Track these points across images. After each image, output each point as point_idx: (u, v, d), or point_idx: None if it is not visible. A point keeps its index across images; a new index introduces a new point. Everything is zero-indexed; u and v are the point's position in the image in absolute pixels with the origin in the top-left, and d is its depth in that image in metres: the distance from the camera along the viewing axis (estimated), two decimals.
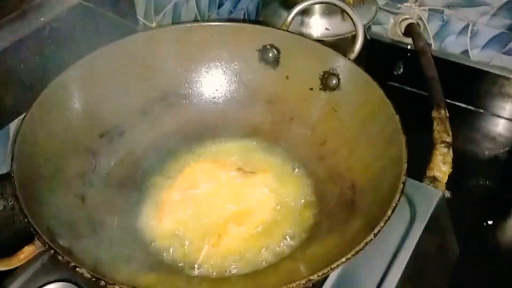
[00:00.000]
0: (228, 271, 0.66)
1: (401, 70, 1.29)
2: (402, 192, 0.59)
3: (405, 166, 0.61)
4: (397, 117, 0.67)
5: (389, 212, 0.57)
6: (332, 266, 0.53)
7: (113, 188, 0.74)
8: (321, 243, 0.66)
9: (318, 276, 0.52)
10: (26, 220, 0.55)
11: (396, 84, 1.32)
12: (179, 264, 0.68)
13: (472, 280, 0.92)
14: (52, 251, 0.53)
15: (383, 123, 0.69)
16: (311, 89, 0.79)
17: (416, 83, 1.26)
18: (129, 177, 0.76)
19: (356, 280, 0.69)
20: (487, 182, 1.10)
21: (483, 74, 1.19)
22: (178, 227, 0.72)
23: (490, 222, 1.03)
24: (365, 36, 0.84)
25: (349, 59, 0.77)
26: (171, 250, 0.70)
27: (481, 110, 1.24)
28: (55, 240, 0.57)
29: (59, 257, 0.53)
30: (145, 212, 0.74)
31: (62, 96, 0.72)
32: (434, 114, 0.97)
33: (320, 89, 0.79)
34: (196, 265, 0.67)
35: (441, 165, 0.88)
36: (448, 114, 0.96)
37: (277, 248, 0.69)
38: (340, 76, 0.76)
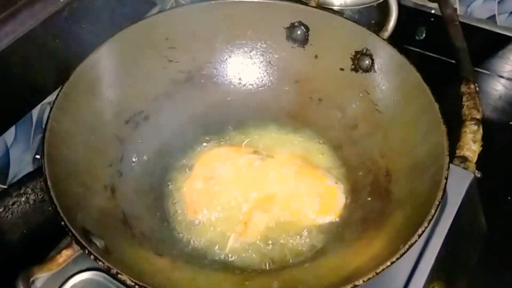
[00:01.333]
0: (257, 263, 0.66)
1: (423, 35, 1.25)
2: (445, 189, 0.57)
3: (447, 159, 0.59)
4: (436, 105, 0.64)
5: (433, 211, 0.55)
6: (378, 271, 0.52)
7: (140, 177, 0.72)
8: (356, 236, 0.65)
9: (364, 281, 0.51)
10: (62, 223, 0.54)
11: (417, 50, 1.28)
12: (207, 254, 0.67)
13: (501, 256, 0.91)
14: (92, 257, 0.52)
15: (421, 110, 0.66)
16: (342, 69, 0.76)
17: (439, 49, 1.21)
18: (155, 165, 0.75)
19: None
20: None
21: (510, 40, 1.15)
22: (204, 217, 0.71)
23: None
24: (398, 14, 0.80)
25: (383, 39, 0.73)
26: (198, 240, 0.69)
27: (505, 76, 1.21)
28: (91, 241, 0.56)
29: (99, 263, 0.52)
30: (172, 202, 0.73)
31: (87, 83, 0.69)
32: (463, 88, 0.93)
33: (352, 69, 0.76)
34: (223, 255, 0.67)
35: (471, 144, 0.86)
36: (478, 88, 0.93)
37: (307, 239, 0.68)
38: (374, 57, 0.73)
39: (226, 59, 0.80)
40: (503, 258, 0.92)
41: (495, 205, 0.99)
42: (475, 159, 0.86)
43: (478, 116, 0.91)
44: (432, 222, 0.56)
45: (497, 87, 1.21)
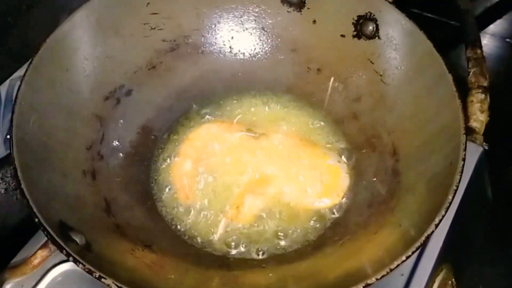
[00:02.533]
0: (251, 253, 0.61)
1: None
2: (462, 172, 0.52)
3: (463, 138, 0.54)
4: (449, 77, 0.58)
5: (450, 197, 0.50)
6: (392, 267, 0.46)
7: (124, 160, 0.66)
8: (362, 222, 0.60)
9: (377, 279, 0.46)
10: (36, 220, 0.48)
11: (416, 10, 1.20)
12: (199, 244, 0.62)
13: (505, 229, 0.87)
14: (71, 258, 0.46)
15: (432, 82, 0.60)
16: (343, 36, 0.69)
17: (439, 10, 1.14)
18: (140, 145, 0.68)
19: None
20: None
21: None
22: (194, 200, 0.65)
23: None
24: None
25: (389, 1, 0.66)
26: (190, 229, 0.64)
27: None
28: (70, 238, 0.50)
29: (79, 265, 0.46)
30: (160, 186, 0.67)
31: (60, 55, 0.62)
32: (469, 53, 0.87)
33: (354, 36, 0.69)
34: (214, 240, 0.62)
35: (479, 114, 0.80)
36: (484, 54, 0.87)
37: (307, 226, 0.63)
38: (378, 22, 0.66)
39: (215, 25, 0.73)
40: (509, 232, 0.88)
41: (499, 175, 0.95)
42: (482, 130, 0.80)
43: (485, 84, 0.85)
44: None
45: (500, 51, 1.15)
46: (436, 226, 0.49)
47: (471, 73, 0.85)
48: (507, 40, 1.13)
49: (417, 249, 0.48)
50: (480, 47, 0.89)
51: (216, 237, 0.62)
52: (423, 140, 0.60)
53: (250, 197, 0.64)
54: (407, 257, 0.47)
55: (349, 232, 0.60)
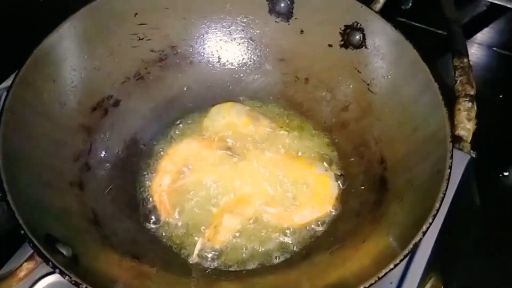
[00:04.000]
0: (229, 267, 0.61)
1: (410, 4, 1.18)
2: (449, 180, 0.52)
3: (450, 146, 0.54)
4: (435, 85, 0.58)
5: (437, 205, 0.50)
6: (380, 275, 0.47)
7: (111, 171, 0.66)
8: (350, 230, 0.60)
9: (366, 287, 0.46)
10: (22, 232, 0.47)
11: (404, 20, 1.21)
12: (184, 252, 0.62)
13: (495, 237, 0.87)
14: (57, 270, 0.46)
15: (418, 91, 0.61)
16: (330, 45, 0.70)
17: (426, 19, 1.15)
18: (127, 156, 0.68)
19: None
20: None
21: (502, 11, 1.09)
22: (177, 218, 0.65)
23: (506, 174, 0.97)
24: None
25: (375, 11, 0.66)
26: (173, 238, 0.63)
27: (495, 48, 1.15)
28: (56, 250, 0.49)
29: (66, 278, 0.45)
30: (148, 198, 0.66)
31: (47, 66, 0.61)
32: (456, 62, 0.87)
33: (341, 46, 0.69)
34: (190, 260, 0.61)
35: (466, 122, 0.81)
36: (470, 63, 0.87)
37: (291, 238, 0.63)
38: (365, 32, 0.66)
39: (203, 35, 0.73)
40: (498, 239, 0.88)
41: (487, 183, 0.95)
42: (470, 138, 0.81)
43: (472, 92, 0.85)
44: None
45: (486, 59, 1.16)
46: (424, 233, 0.49)
47: (458, 81, 0.86)
48: (494, 49, 1.14)
49: (404, 257, 0.48)
50: (467, 56, 0.89)
51: (192, 258, 0.61)
52: (410, 148, 0.60)
53: (229, 217, 0.63)
54: (395, 265, 0.47)
55: (338, 240, 0.59)
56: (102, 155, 0.65)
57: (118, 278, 0.52)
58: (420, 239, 0.48)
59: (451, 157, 0.53)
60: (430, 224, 0.49)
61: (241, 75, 0.73)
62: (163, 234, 0.63)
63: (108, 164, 0.65)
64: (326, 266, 0.56)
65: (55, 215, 0.54)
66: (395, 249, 0.50)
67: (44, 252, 0.46)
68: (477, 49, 1.16)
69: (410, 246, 0.48)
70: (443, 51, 1.07)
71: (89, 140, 0.64)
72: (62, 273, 0.45)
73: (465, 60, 0.89)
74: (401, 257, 0.47)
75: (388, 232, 0.54)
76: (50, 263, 0.46)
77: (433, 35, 1.16)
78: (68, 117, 0.63)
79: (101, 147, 0.65)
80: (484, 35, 1.14)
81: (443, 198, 0.51)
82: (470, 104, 0.83)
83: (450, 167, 0.52)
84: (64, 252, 0.50)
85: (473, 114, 0.83)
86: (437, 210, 0.50)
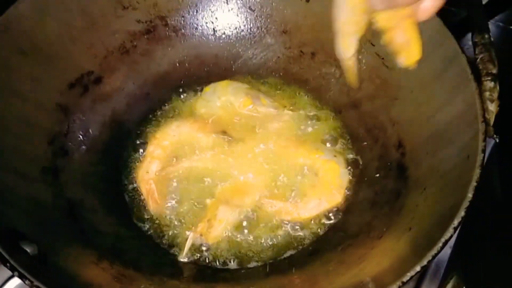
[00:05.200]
0: (225, 266, 0.53)
1: None
2: (482, 165, 0.44)
3: (482, 127, 0.46)
4: (463, 57, 0.51)
5: (470, 195, 0.42)
6: (404, 279, 0.39)
7: (91, 156, 0.58)
8: (363, 224, 0.52)
9: None
10: None
11: None
12: (173, 250, 0.54)
13: None
14: (16, 273, 0.38)
15: (442, 64, 0.53)
16: None
17: None
18: (111, 139, 0.60)
19: None
20: None
21: None
22: (163, 209, 0.57)
23: None
24: None
25: None
26: (162, 233, 0.56)
27: None
28: (19, 248, 0.42)
29: (27, 283, 0.38)
30: (131, 187, 0.59)
31: (15, 37, 0.53)
32: (476, 38, 0.79)
33: None
34: (180, 257, 0.54)
35: (488, 104, 0.72)
36: (492, 39, 0.79)
37: (291, 235, 0.55)
38: None
39: (196, 4, 0.65)
40: None
41: (510, 171, 0.87)
42: (492, 121, 0.73)
43: (495, 71, 0.77)
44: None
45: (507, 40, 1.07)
46: (455, 229, 0.41)
47: (478, 59, 0.77)
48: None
49: (433, 257, 0.40)
50: (488, 31, 0.81)
51: (182, 255, 0.54)
52: (432, 130, 0.52)
53: (224, 209, 0.56)
54: (423, 267, 0.39)
55: (350, 236, 0.52)
56: (81, 138, 0.58)
57: (95, 281, 0.44)
58: (451, 236, 0.41)
59: (484, 140, 0.45)
60: (462, 218, 0.41)
61: (239, 49, 0.66)
62: (150, 228, 0.55)
63: (87, 148, 0.58)
64: (336, 265, 0.49)
65: (22, 207, 0.46)
66: (420, 247, 0.42)
67: (1, 250, 0.38)
68: (497, 29, 1.08)
69: (439, 244, 0.40)
70: (463, 33, 0.98)
71: (66, 120, 0.57)
72: (21, 276, 0.37)
73: (486, 36, 0.80)
74: (429, 257, 0.40)
75: (410, 227, 0.46)
76: (8, 264, 0.38)
77: (453, 14, 1.07)
78: (41, 95, 0.55)
79: (80, 129, 0.58)
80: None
81: (476, 187, 0.43)
82: (492, 84, 0.74)
83: (484, 151, 0.45)
84: (29, 250, 0.42)
85: (495, 94, 0.74)
86: (470, 202, 0.42)
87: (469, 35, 0.76)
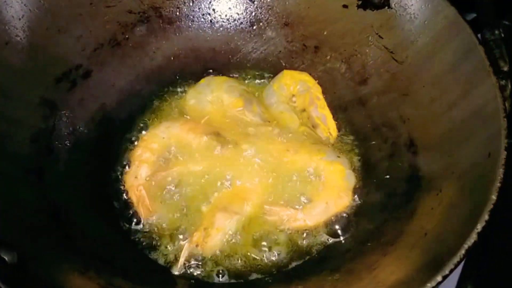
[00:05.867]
0: (222, 278, 0.49)
1: None
2: (505, 164, 0.40)
3: (504, 123, 0.42)
4: (481, 49, 0.47)
5: (493, 197, 0.39)
6: None
7: (78, 155, 0.54)
8: (373, 229, 0.48)
9: None
10: None
11: None
12: (153, 268, 0.50)
13: None
14: None
15: (458, 56, 0.49)
16: (345, 6, 0.58)
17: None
18: (100, 138, 0.56)
19: None
20: None
21: None
22: (155, 217, 0.53)
23: None
24: None
25: None
26: (152, 241, 0.51)
27: None
28: None
29: None
30: (121, 190, 0.54)
31: None
32: (487, 35, 0.75)
33: (359, 6, 0.57)
34: (175, 270, 0.50)
35: None
36: (503, 35, 0.75)
37: (294, 243, 0.51)
38: None
39: None
40: None
41: None
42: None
43: (506, 68, 0.73)
44: None
45: None
46: (479, 234, 0.37)
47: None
48: None
49: (455, 265, 0.36)
50: (499, 27, 0.77)
51: (177, 268, 0.49)
52: (447, 128, 0.49)
53: (221, 216, 0.52)
54: (444, 277, 0.35)
55: (359, 242, 0.48)
56: (68, 136, 0.54)
57: None
58: (475, 242, 0.37)
59: (507, 136, 0.42)
60: (486, 222, 0.38)
61: (238, 43, 0.62)
62: (141, 237, 0.51)
63: (74, 147, 0.53)
64: (345, 274, 0.45)
65: (7, 213, 0.42)
66: (438, 255, 0.38)
67: None
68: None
69: (462, 251, 0.36)
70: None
71: (51, 117, 0.53)
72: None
73: (496, 32, 0.77)
74: (450, 266, 0.36)
75: (425, 232, 0.43)
76: None
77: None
78: (25, 89, 0.51)
79: (67, 126, 0.54)
80: None
81: (500, 188, 0.39)
82: (503, 82, 0.70)
83: (507, 149, 0.41)
84: (7, 259, 0.38)
85: (507, 92, 0.71)
86: (494, 204, 0.38)
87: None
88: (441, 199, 0.45)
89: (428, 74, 0.52)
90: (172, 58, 0.61)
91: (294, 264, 0.49)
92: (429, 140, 0.50)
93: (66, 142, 0.53)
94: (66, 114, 0.54)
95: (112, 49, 0.58)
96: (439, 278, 0.35)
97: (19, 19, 0.51)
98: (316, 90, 0.59)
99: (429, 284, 0.35)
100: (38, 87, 0.52)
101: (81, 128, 0.55)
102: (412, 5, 0.53)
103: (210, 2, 0.61)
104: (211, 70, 0.62)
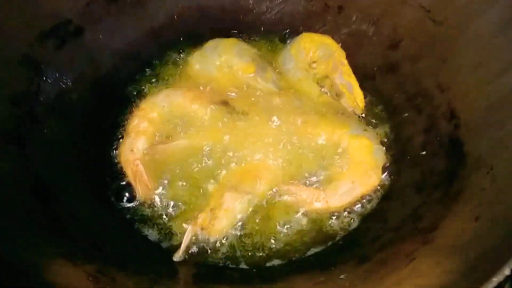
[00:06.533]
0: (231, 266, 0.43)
1: None
2: None
3: None
4: None
5: None
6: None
7: (69, 124, 0.47)
8: (409, 216, 0.42)
9: None
10: None
11: None
12: (153, 254, 0.44)
13: None
14: None
15: (507, 16, 0.42)
16: None
17: None
18: (93, 105, 0.49)
19: None
20: None
21: None
22: (154, 196, 0.46)
23: None
24: None
25: None
26: (144, 230, 0.45)
27: None
28: None
29: None
30: (118, 166, 0.48)
31: None
32: None
33: None
34: (176, 257, 0.43)
35: None
36: None
37: (316, 228, 0.44)
38: None
39: None
40: None
41: None
42: None
43: None
44: None
45: None
46: None
47: None
48: None
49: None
50: None
51: (178, 254, 0.43)
52: (496, 97, 0.42)
53: (230, 196, 0.45)
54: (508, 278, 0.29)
55: (391, 228, 0.41)
56: (54, 102, 0.46)
57: (62, 280, 0.33)
58: None
59: None
60: None
61: (250, 1, 0.54)
62: (138, 218, 0.45)
63: (62, 115, 0.47)
64: (377, 265, 0.38)
65: None
66: (499, 242, 0.31)
67: None
68: None
69: None
70: None
71: (36, 78, 0.45)
72: None
73: None
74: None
75: (476, 216, 0.36)
76: None
77: None
78: (5, 45, 0.43)
79: (54, 90, 0.47)
80: None
81: None
82: None
83: None
84: None
85: None
86: None
87: None
88: (492, 178, 0.38)
89: (473, 35, 0.45)
90: (175, 17, 0.55)
91: (314, 250, 0.43)
92: (474, 111, 0.44)
93: (52, 108, 0.46)
94: (53, 76, 0.47)
95: (108, 5, 0.51)
96: (507, 272, 0.28)
97: None
98: (340, 54, 0.52)
99: (494, 279, 0.28)
100: (20, 44, 0.45)
101: (70, 93, 0.48)
102: None
103: None
104: (219, 32, 0.55)
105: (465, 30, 0.46)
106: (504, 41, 0.43)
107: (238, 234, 0.44)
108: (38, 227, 0.38)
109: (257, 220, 0.45)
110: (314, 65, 0.53)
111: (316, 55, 0.53)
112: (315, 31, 0.55)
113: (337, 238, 0.44)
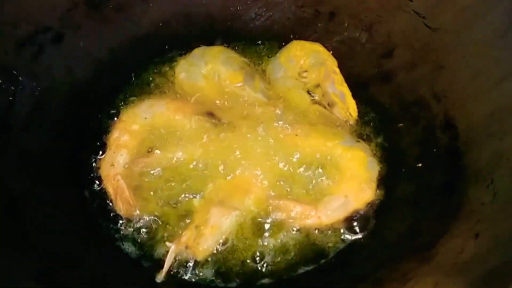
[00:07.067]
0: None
1: None
2: None
3: None
4: None
5: None
6: None
7: (43, 135, 0.45)
8: (404, 233, 0.40)
9: None
10: None
11: None
12: (133, 274, 0.41)
13: None
14: None
15: (507, 21, 0.40)
16: None
17: None
18: (69, 115, 0.47)
19: None
20: None
21: None
22: (136, 213, 0.44)
23: None
24: None
25: None
26: (125, 249, 0.43)
27: None
28: None
29: None
30: (94, 177, 0.45)
31: None
32: None
33: None
34: (159, 278, 0.41)
35: None
36: None
37: (307, 245, 0.42)
38: None
39: None
40: None
41: None
42: None
43: None
44: None
45: None
46: None
47: None
48: None
49: None
50: None
51: (160, 276, 0.41)
52: (496, 105, 0.41)
53: (217, 212, 0.43)
54: None
55: (387, 245, 0.39)
56: (30, 112, 0.44)
57: None
58: None
59: None
60: None
61: (239, 7, 0.53)
62: (120, 235, 0.42)
63: (38, 125, 0.44)
64: (373, 285, 0.35)
65: None
66: (500, 262, 0.29)
67: None
68: None
69: None
70: None
71: (10, 87, 0.43)
72: None
73: None
74: None
75: (476, 233, 0.34)
76: None
77: None
78: None
79: (30, 100, 0.45)
80: None
81: None
82: None
83: None
84: None
85: None
86: None
87: None
88: (493, 192, 0.36)
89: (470, 42, 0.43)
90: (160, 24, 0.53)
91: (305, 268, 0.41)
92: (473, 121, 0.42)
93: (28, 118, 0.44)
94: (29, 85, 0.45)
95: (89, 10, 0.49)
96: None
97: None
98: (332, 63, 0.50)
99: None
100: None
101: (47, 103, 0.45)
102: None
103: None
104: (206, 39, 0.53)
105: (462, 37, 0.44)
106: (503, 47, 0.41)
107: (225, 251, 0.41)
108: (6, 244, 0.36)
109: (245, 237, 0.42)
110: (304, 73, 0.51)
111: (307, 64, 0.51)
112: (306, 38, 0.53)
113: (330, 256, 0.41)
